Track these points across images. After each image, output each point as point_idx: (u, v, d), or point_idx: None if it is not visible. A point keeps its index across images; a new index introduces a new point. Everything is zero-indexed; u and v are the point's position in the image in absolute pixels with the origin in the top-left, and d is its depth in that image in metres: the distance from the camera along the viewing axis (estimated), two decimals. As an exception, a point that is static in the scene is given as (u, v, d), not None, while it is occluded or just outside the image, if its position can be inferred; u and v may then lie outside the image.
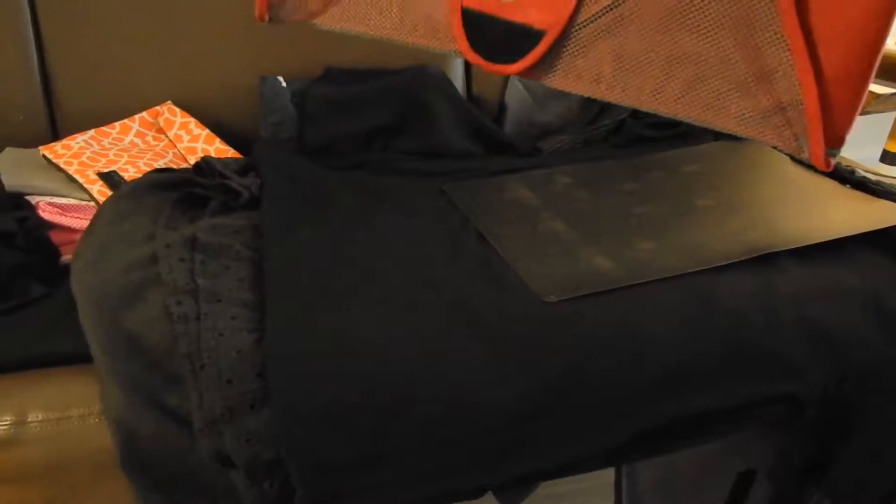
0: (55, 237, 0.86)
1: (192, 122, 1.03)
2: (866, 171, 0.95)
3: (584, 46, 0.64)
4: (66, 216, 0.88)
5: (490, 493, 0.61)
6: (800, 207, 0.84)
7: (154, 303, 0.64)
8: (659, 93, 0.63)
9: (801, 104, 0.56)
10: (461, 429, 0.58)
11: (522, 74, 0.67)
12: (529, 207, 0.84)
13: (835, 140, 0.56)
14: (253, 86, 1.04)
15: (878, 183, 0.87)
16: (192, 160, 0.98)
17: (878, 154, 1.30)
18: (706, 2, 0.57)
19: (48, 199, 0.89)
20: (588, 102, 1.13)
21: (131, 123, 1.03)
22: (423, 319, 0.63)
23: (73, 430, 0.67)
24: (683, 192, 0.88)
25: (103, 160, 0.95)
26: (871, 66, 0.53)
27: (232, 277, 0.67)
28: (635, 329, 0.64)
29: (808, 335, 0.66)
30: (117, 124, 1.02)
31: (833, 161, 0.57)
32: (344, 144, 0.98)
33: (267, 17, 0.73)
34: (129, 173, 0.93)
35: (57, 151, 0.95)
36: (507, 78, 1.12)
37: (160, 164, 0.97)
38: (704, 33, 0.59)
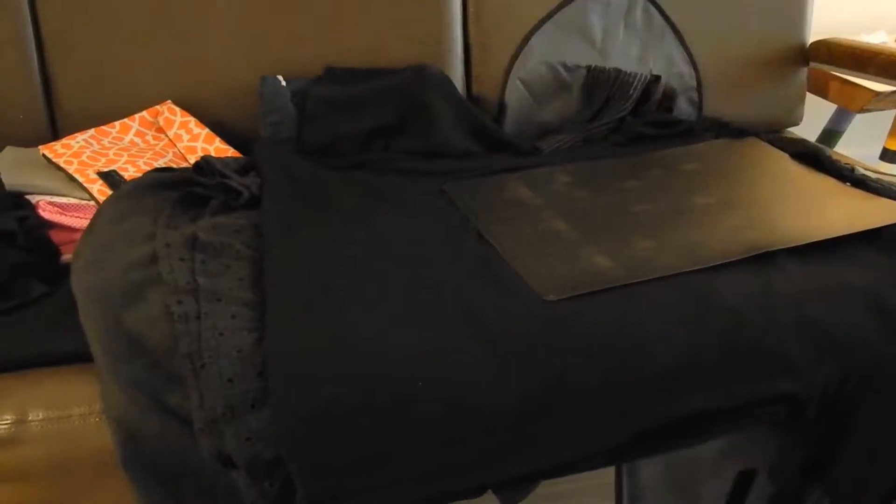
0: (55, 236, 0.86)
1: (192, 122, 1.03)
2: (866, 169, 0.95)
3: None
4: (66, 215, 0.88)
5: (490, 492, 0.61)
6: (799, 206, 0.84)
7: (154, 302, 0.64)
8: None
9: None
10: (461, 429, 0.58)
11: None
12: (529, 206, 0.84)
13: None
14: (253, 86, 1.04)
15: (877, 181, 0.87)
16: (192, 159, 0.98)
17: (878, 152, 1.30)
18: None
19: (48, 198, 0.89)
20: (588, 101, 1.13)
21: (131, 123, 1.03)
22: (424, 319, 0.63)
23: (74, 429, 0.67)
24: (683, 191, 0.88)
25: (103, 159, 0.95)
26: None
27: (232, 277, 0.67)
28: (634, 328, 0.64)
29: (807, 335, 0.66)
30: (117, 123, 1.03)
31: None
32: (344, 144, 0.98)
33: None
34: (129, 172, 0.93)
35: (57, 151, 0.95)
36: (507, 77, 1.13)
37: (160, 163, 0.97)
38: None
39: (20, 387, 0.69)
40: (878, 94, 1.27)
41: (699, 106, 1.19)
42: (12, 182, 0.90)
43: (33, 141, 0.99)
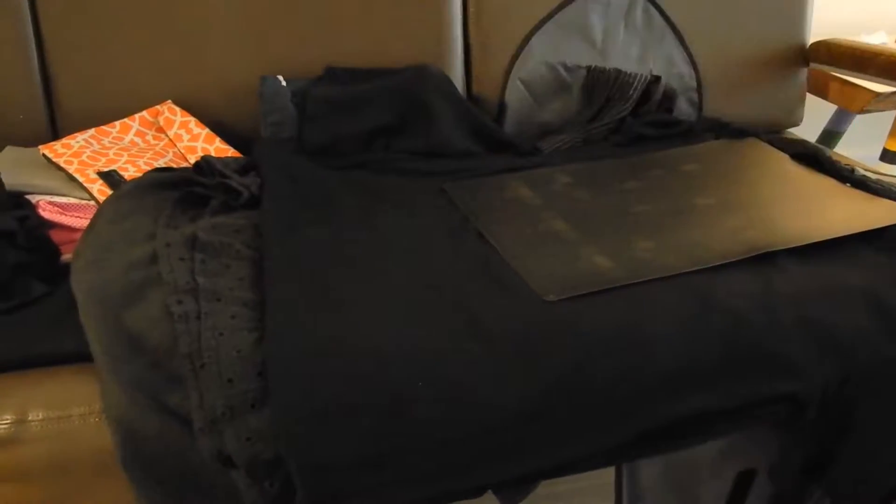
0: (55, 236, 0.86)
1: (192, 122, 1.03)
2: (866, 170, 0.95)
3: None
4: (66, 215, 0.88)
5: (490, 492, 0.61)
6: (799, 206, 0.84)
7: (154, 302, 0.64)
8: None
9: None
10: (461, 429, 0.58)
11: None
12: (529, 206, 0.84)
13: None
14: (253, 86, 1.04)
15: (878, 182, 0.87)
16: (192, 159, 0.98)
17: (878, 153, 1.30)
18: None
19: (48, 198, 0.89)
20: (588, 101, 1.13)
21: (131, 122, 1.03)
22: (424, 319, 0.63)
23: (74, 429, 0.67)
24: (683, 191, 0.88)
25: (103, 159, 0.95)
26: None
27: (232, 276, 0.67)
28: (635, 328, 0.64)
29: (807, 335, 0.65)
30: (117, 123, 1.03)
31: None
32: (344, 144, 0.98)
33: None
34: (129, 172, 0.93)
35: (57, 150, 0.95)
36: (507, 77, 1.13)
37: (160, 163, 0.97)
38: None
39: (20, 387, 0.69)
40: (878, 94, 1.27)
41: (699, 106, 1.19)
42: (12, 182, 0.90)
43: (33, 141, 0.99)
